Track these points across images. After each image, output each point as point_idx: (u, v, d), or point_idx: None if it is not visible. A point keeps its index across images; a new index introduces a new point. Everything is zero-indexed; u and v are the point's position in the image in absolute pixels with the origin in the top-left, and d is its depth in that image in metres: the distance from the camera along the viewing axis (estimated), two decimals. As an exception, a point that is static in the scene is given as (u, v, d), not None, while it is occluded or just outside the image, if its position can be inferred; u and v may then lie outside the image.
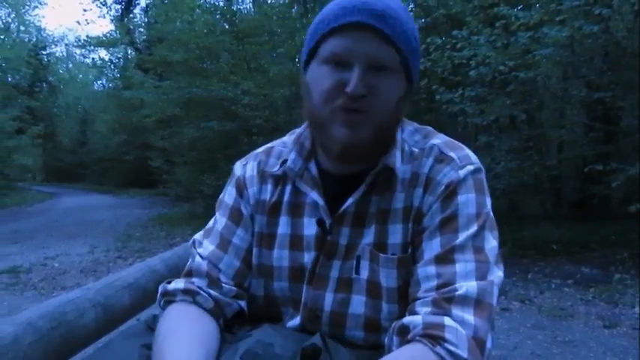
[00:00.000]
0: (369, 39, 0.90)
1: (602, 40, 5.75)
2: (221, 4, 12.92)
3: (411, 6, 8.22)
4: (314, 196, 1.02)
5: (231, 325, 1.04)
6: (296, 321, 1.03)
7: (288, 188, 1.07)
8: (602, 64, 6.28)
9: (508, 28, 6.20)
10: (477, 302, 0.85)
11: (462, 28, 6.44)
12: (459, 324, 0.82)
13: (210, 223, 1.12)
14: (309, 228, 1.02)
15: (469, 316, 0.83)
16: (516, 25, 5.98)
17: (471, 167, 0.95)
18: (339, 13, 0.92)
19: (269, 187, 1.09)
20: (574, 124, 7.62)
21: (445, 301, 0.85)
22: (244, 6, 15.06)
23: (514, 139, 6.78)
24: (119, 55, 27.92)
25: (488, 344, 0.85)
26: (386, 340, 0.93)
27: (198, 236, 1.12)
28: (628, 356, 3.45)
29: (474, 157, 0.98)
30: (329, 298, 1.00)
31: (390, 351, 0.90)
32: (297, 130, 1.10)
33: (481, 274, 0.88)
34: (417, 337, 0.83)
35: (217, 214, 1.12)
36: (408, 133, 1.04)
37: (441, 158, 0.97)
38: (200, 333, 0.91)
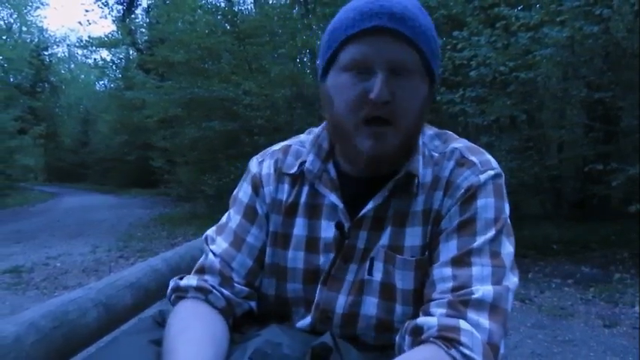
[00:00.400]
0: (389, 43, 0.88)
1: (602, 40, 5.74)
2: (222, 4, 12.96)
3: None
4: (333, 198, 1.01)
5: (239, 324, 1.03)
6: (306, 321, 1.03)
7: (306, 189, 1.05)
8: (602, 64, 6.28)
9: (508, 29, 6.19)
10: (492, 307, 0.84)
11: (462, 29, 6.42)
12: (475, 328, 0.82)
13: (224, 219, 1.10)
14: (327, 230, 1.01)
15: (484, 320, 0.83)
16: (517, 25, 5.96)
17: (491, 172, 0.95)
18: (356, 18, 0.90)
19: (286, 186, 1.07)
20: (574, 124, 7.60)
21: (461, 303, 0.85)
22: (245, 7, 15.10)
23: (514, 140, 6.78)
24: (121, 56, 27.92)
25: (502, 350, 0.84)
26: (397, 338, 0.92)
27: (210, 232, 1.10)
28: (628, 355, 3.44)
29: (494, 163, 0.98)
30: (342, 301, 0.99)
31: (400, 350, 0.90)
32: (315, 130, 1.09)
33: (497, 279, 0.87)
34: (432, 339, 0.83)
35: (231, 210, 1.10)
36: (428, 137, 1.03)
37: (462, 162, 0.97)
38: (210, 333, 0.90)
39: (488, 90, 6.45)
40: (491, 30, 6.18)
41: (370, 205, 0.97)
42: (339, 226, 0.99)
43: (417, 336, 0.85)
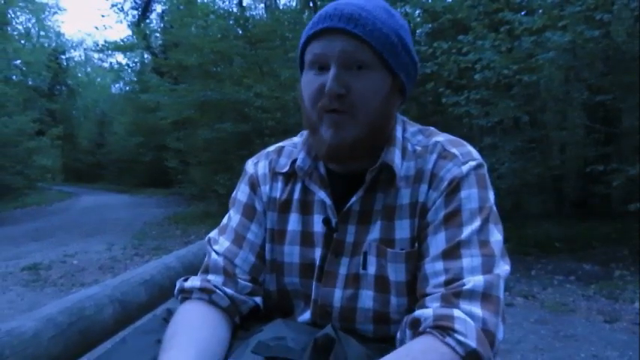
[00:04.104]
0: (341, 40, 0.93)
1: (602, 44, 5.78)
2: (234, 10, 13.05)
3: (418, 11, 8.26)
4: (322, 195, 1.03)
5: (246, 321, 1.05)
6: (306, 315, 1.05)
7: (298, 186, 1.08)
8: (602, 67, 6.31)
9: (512, 33, 6.24)
10: (484, 296, 0.86)
11: (467, 33, 6.47)
12: (468, 316, 0.84)
13: (225, 220, 1.13)
14: (319, 225, 1.04)
15: (477, 309, 0.84)
16: (520, 30, 6.03)
17: (473, 163, 0.97)
18: (315, 21, 0.98)
19: (279, 184, 1.10)
20: (576, 125, 7.60)
21: (453, 295, 0.86)
22: (257, 12, 15.18)
23: (518, 141, 6.77)
24: (136, 60, 27.78)
25: (499, 336, 0.85)
26: (398, 333, 0.93)
27: (213, 234, 1.13)
28: (628, 350, 3.48)
29: (475, 153, 1.00)
30: (338, 295, 1.01)
31: (402, 344, 0.91)
32: (306, 132, 1.11)
33: (488, 268, 0.89)
34: (428, 329, 0.84)
35: (231, 211, 1.13)
36: (411, 133, 1.05)
37: (444, 155, 0.99)
38: (200, 338, 0.91)
39: (492, 92, 6.48)
40: (495, 34, 6.23)
41: (353, 199, 1.00)
42: (326, 222, 1.03)
43: (416, 328, 0.87)
